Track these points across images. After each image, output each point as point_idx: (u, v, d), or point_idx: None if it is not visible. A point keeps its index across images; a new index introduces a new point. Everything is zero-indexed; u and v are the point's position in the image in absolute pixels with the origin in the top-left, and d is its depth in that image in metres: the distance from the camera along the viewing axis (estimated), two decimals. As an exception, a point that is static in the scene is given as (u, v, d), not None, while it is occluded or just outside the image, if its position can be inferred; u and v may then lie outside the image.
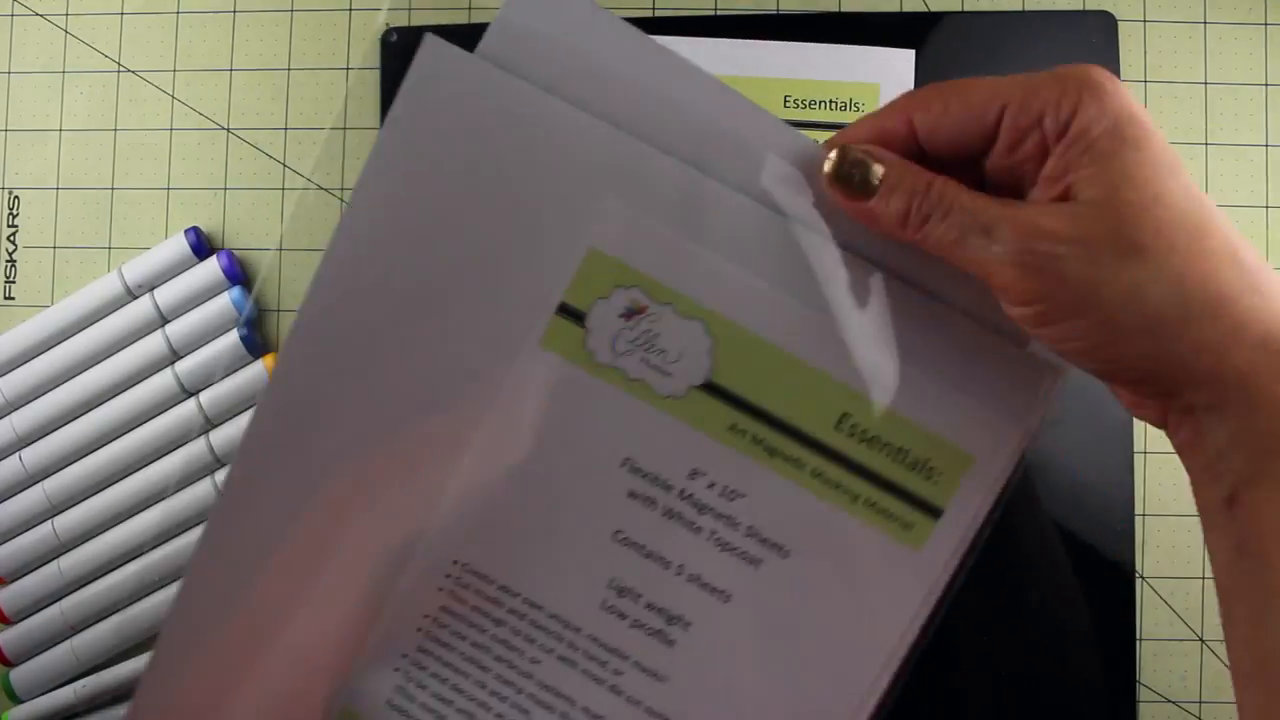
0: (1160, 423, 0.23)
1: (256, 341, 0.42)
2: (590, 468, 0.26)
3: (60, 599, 0.42)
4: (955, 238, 0.22)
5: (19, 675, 0.42)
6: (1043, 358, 0.25)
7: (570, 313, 0.25)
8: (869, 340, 0.25)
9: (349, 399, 0.26)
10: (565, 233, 0.25)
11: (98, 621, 0.42)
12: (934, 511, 0.25)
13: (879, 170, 0.23)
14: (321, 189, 0.44)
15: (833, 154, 0.23)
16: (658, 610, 0.26)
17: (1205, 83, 0.43)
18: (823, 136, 0.42)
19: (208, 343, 0.42)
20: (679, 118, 0.25)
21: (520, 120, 0.25)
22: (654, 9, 0.43)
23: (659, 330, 0.25)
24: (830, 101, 0.42)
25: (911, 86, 0.42)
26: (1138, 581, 0.41)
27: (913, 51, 0.42)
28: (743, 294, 0.25)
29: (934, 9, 0.43)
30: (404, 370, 0.26)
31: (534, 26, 0.26)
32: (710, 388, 0.25)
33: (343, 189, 0.44)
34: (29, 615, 0.42)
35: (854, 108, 0.42)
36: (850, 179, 0.23)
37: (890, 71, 0.42)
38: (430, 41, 0.26)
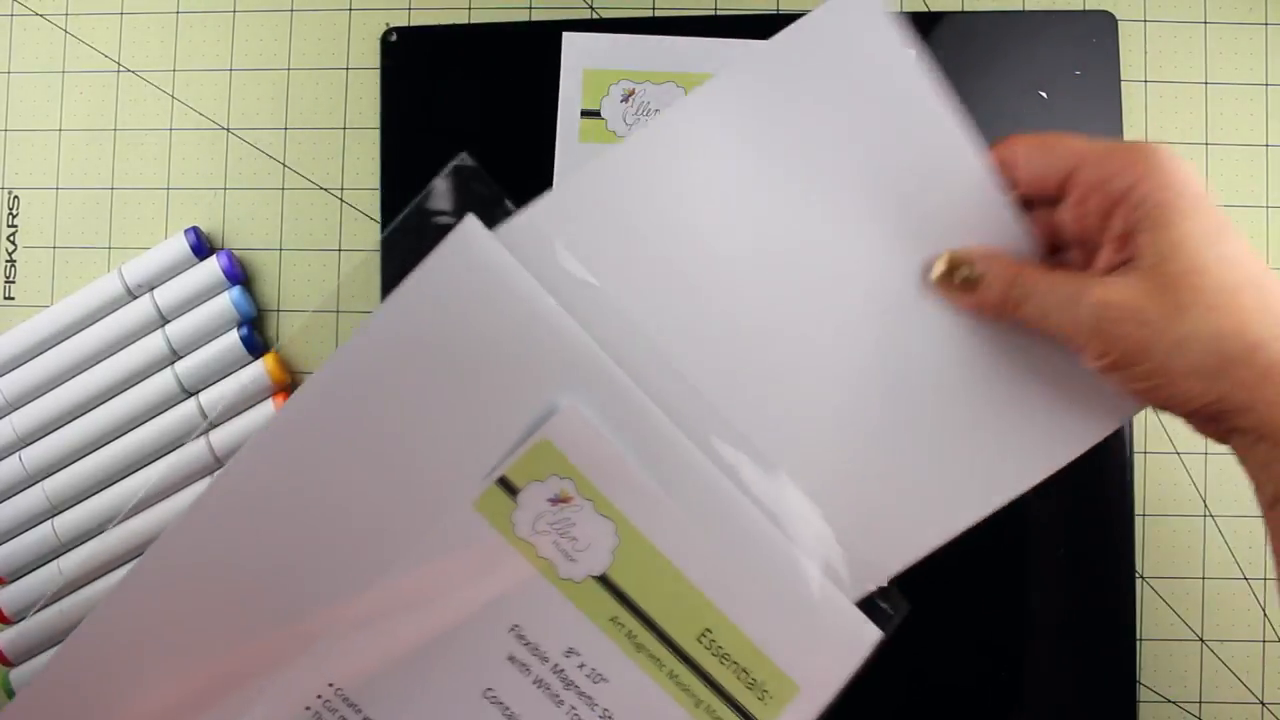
0: (1222, 442, 0.27)
1: (256, 341, 0.42)
2: (480, 625, 0.29)
3: (60, 599, 0.42)
4: (1040, 315, 0.27)
5: (19, 675, 0.42)
6: (865, 619, 0.30)
7: (508, 486, 0.28)
8: (741, 571, 0.29)
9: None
10: (527, 418, 0.28)
11: (98, 622, 0.42)
12: None
13: (978, 268, 0.28)
14: (321, 189, 0.44)
15: (943, 260, 0.28)
16: None
17: (1205, 83, 0.43)
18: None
19: (208, 343, 0.42)
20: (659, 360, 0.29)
21: (516, 308, 0.28)
22: (654, 9, 0.43)
23: (576, 520, 0.29)
24: (830, 101, 0.42)
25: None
26: (1138, 581, 0.41)
27: (913, 51, 0.42)
28: (654, 508, 0.29)
29: (934, 9, 0.43)
30: (356, 498, 0.29)
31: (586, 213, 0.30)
32: (604, 580, 0.29)
33: (342, 189, 0.44)
34: (29, 615, 0.42)
35: (854, 108, 0.42)
36: (955, 278, 0.28)
37: (890, 71, 0.42)
38: (469, 222, 0.29)
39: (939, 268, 0.29)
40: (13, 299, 0.44)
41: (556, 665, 0.29)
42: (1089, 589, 0.41)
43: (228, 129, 0.44)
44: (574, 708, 0.29)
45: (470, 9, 0.44)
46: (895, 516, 0.30)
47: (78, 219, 0.44)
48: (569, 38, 0.42)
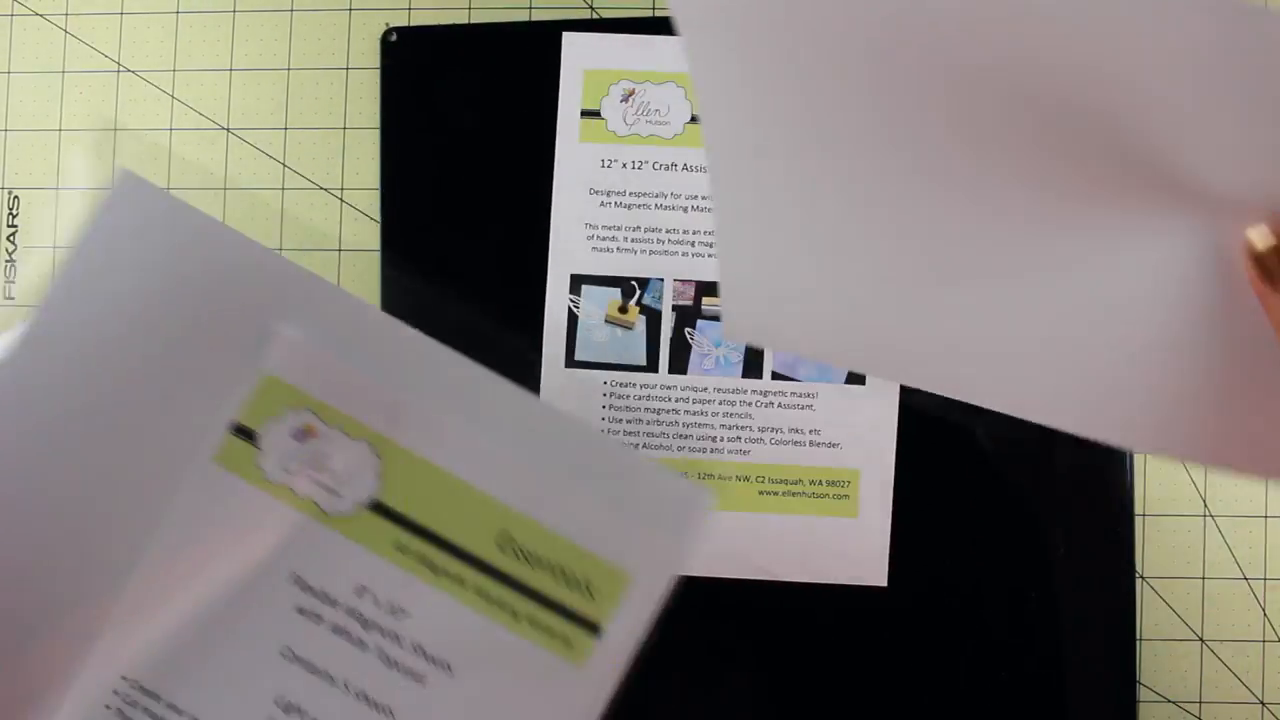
0: None
1: (256, 341, 0.42)
2: (258, 583, 0.27)
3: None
4: None
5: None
6: (694, 484, 0.27)
7: (244, 432, 0.27)
8: (530, 464, 0.27)
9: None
10: (241, 357, 0.27)
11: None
12: (594, 628, 0.27)
13: None
14: (321, 189, 0.44)
15: (1269, 237, 0.23)
16: None
17: (1205, 83, 0.43)
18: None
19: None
20: None
21: (202, 251, 0.27)
22: (654, 9, 0.43)
23: (329, 451, 0.27)
24: (830, 101, 0.42)
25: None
26: (1138, 581, 0.41)
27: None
28: (411, 419, 0.27)
29: (934, 9, 0.43)
30: (74, 483, 0.27)
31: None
32: (378, 507, 0.27)
33: (342, 189, 0.44)
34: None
35: (854, 108, 0.42)
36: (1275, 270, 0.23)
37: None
38: (124, 176, 0.27)
39: (1260, 241, 0.23)
40: (13, 299, 0.44)
41: (350, 608, 0.27)
42: (1089, 589, 0.41)
43: (228, 129, 0.44)
44: (381, 648, 0.27)
45: (470, 9, 0.44)
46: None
47: (78, 219, 0.44)
48: (569, 38, 0.42)
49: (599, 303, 0.41)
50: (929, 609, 0.41)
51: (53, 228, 0.44)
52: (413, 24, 0.44)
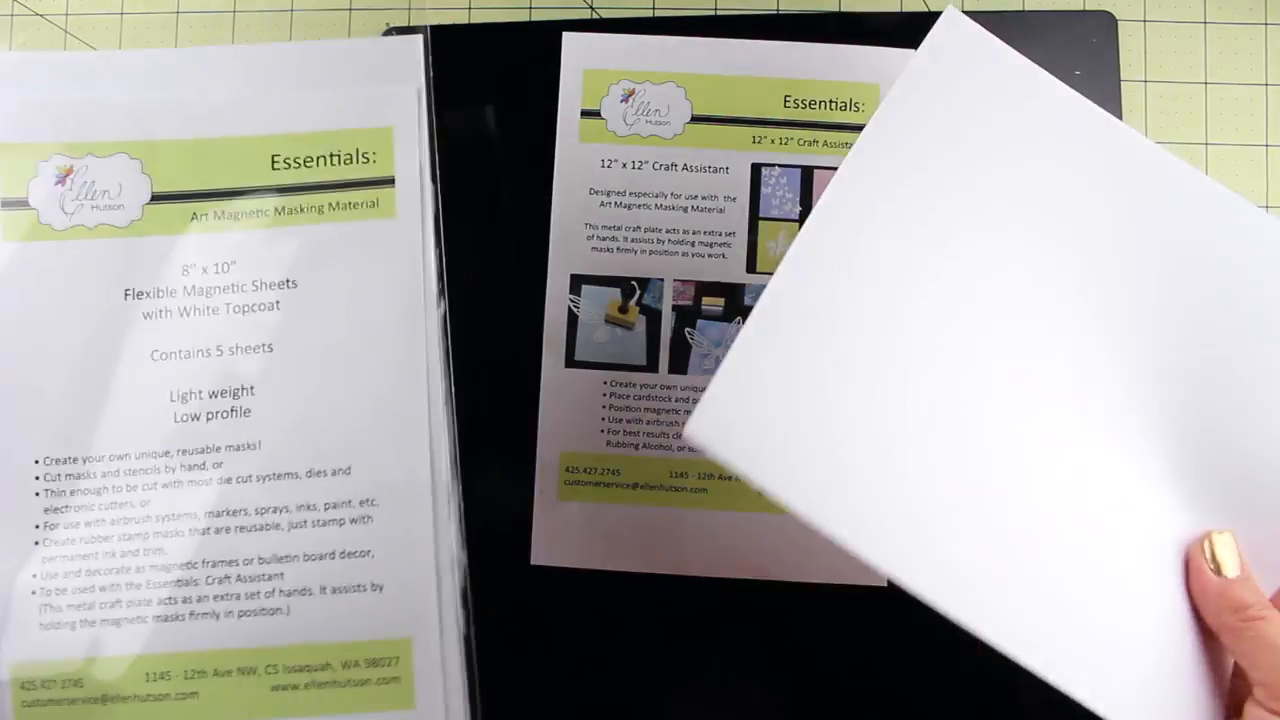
0: None
1: (257, 342, 0.42)
2: (101, 315, 0.29)
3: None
4: (1259, 654, 0.27)
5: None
6: (401, 40, 0.32)
7: (16, 203, 0.29)
8: (262, 95, 0.30)
9: None
10: None
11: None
12: (387, 181, 0.31)
13: (1244, 566, 0.28)
14: (321, 189, 0.44)
15: (1223, 538, 0.28)
16: (221, 394, 0.29)
17: (1205, 83, 0.43)
18: (822, 136, 0.42)
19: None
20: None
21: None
22: (654, 9, 0.43)
23: (93, 178, 0.29)
24: (830, 101, 0.42)
25: (911, 86, 0.42)
26: (1138, 581, 0.41)
27: (913, 51, 0.42)
28: (150, 110, 0.30)
29: (934, 9, 0.43)
30: None
31: None
32: (159, 197, 0.29)
33: (343, 189, 0.43)
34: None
35: (854, 107, 0.42)
36: (1206, 551, 0.28)
37: (890, 71, 0.42)
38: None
39: (1217, 540, 0.28)
40: (13, 299, 0.44)
41: (186, 286, 0.29)
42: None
43: (228, 129, 0.44)
44: (228, 303, 0.29)
45: (470, 9, 0.44)
46: None
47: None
48: (569, 38, 0.42)
49: (599, 303, 0.41)
50: (929, 609, 0.41)
51: (53, 228, 0.44)
52: (413, 24, 0.44)
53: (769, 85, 0.42)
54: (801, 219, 0.42)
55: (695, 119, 0.42)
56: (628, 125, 0.42)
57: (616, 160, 0.42)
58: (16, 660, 0.28)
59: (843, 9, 0.43)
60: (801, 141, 0.42)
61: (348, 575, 0.29)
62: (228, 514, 0.29)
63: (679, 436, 0.41)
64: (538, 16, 0.43)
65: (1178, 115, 0.42)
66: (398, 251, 0.30)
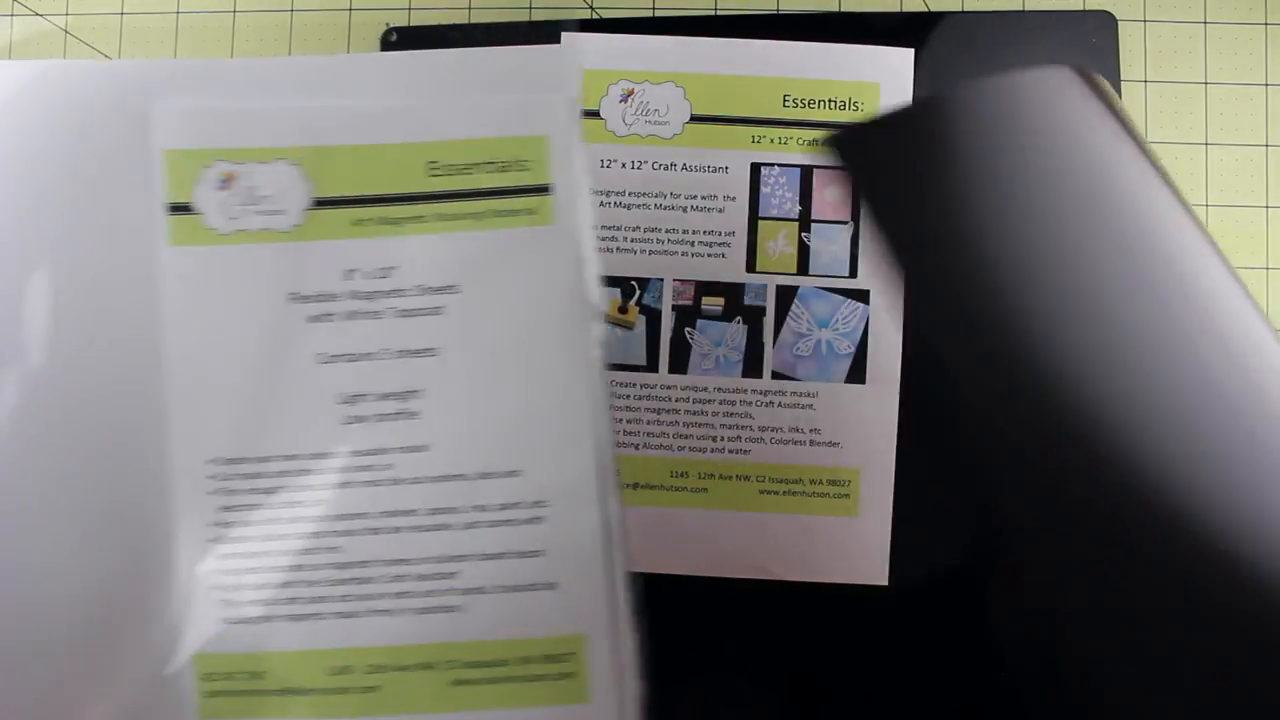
0: None
1: (256, 341, 0.42)
2: (267, 318, 0.29)
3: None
4: None
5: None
6: (546, 47, 0.33)
7: (180, 208, 0.29)
8: (418, 103, 0.30)
9: None
10: (142, 151, 0.30)
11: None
12: (544, 189, 0.31)
13: None
14: (321, 189, 0.44)
15: None
16: (391, 396, 0.29)
17: (1205, 83, 0.43)
18: (822, 136, 0.42)
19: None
20: None
21: (49, 94, 0.30)
22: (654, 9, 0.43)
23: (254, 183, 0.30)
24: (830, 101, 0.42)
25: (911, 86, 0.42)
26: (1138, 581, 0.41)
27: (912, 51, 0.42)
28: (310, 118, 0.30)
29: (934, 9, 0.43)
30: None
31: None
32: (320, 203, 0.30)
33: (342, 189, 0.43)
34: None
35: (853, 107, 0.42)
36: None
37: (890, 71, 0.42)
38: None
39: None
40: (12, 299, 0.44)
41: (349, 291, 0.30)
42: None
43: (228, 129, 0.44)
44: (392, 307, 0.30)
45: (470, 9, 0.44)
46: None
47: None
48: (568, 38, 0.42)
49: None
50: (929, 609, 0.41)
51: (53, 228, 0.44)
52: (413, 24, 0.44)
53: (768, 85, 0.42)
54: (801, 218, 0.42)
55: (695, 119, 0.42)
56: (627, 125, 0.42)
57: (615, 160, 0.42)
58: (199, 652, 0.29)
59: (843, 9, 0.43)
60: (801, 141, 0.42)
61: (521, 574, 0.29)
62: (401, 514, 0.29)
63: (680, 436, 0.41)
64: (538, 16, 0.43)
65: (1177, 115, 0.42)
66: (557, 257, 0.30)
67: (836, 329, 0.41)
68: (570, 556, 0.29)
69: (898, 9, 0.43)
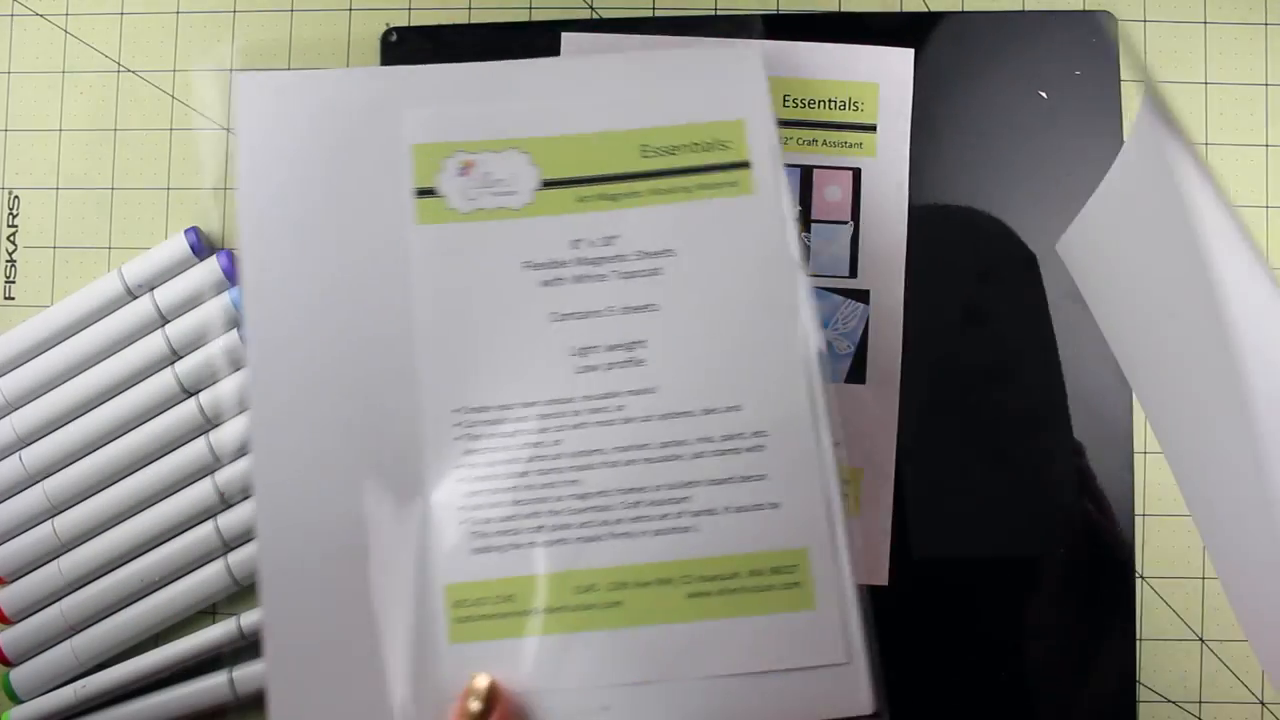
0: None
1: (256, 341, 0.42)
2: (504, 284, 0.34)
3: (60, 599, 0.42)
4: None
5: (19, 675, 0.42)
6: (739, 43, 0.40)
7: (426, 192, 0.34)
8: (630, 94, 0.35)
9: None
10: (393, 146, 0.35)
11: (98, 621, 0.42)
12: (744, 164, 0.35)
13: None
14: (321, 189, 0.44)
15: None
16: (618, 347, 0.33)
17: (1205, 83, 0.43)
18: (822, 136, 0.42)
19: (208, 343, 0.42)
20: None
21: (331, 96, 0.35)
22: (654, 9, 0.43)
23: (489, 169, 0.34)
24: (830, 101, 0.42)
25: (911, 86, 0.42)
26: (1138, 581, 0.41)
27: (912, 51, 0.42)
28: (537, 113, 0.35)
29: (934, 9, 0.43)
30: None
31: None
32: (547, 184, 0.34)
33: (343, 189, 0.43)
34: (29, 615, 0.42)
35: (854, 107, 0.42)
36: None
37: (890, 71, 0.42)
38: (243, 80, 0.35)
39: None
40: (13, 299, 0.44)
41: (577, 258, 0.34)
42: (1088, 589, 0.41)
43: (228, 129, 0.44)
44: (615, 270, 0.34)
45: (470, 9, 0.44)
46: None
47: (78, 219, 0.44)
48: (568, 38, 0.42)
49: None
50: (929, 608, 0.41)
51: (53, 228, 0.44)
52: (413, 24, 0.44)
53: (769, 84, 0.42)
54: (802, 218, 0.42)
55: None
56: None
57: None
58: (450, 582, 0.32)
59: (843, 9, 0.43)
60: (801, 141, 0.42)
61: (747, 496, 0.32)
62: (634, 449, 0.33)
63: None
64: (538, 16, 0.43)
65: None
66: (760, 221, 0.34)
67: (836, 329, 0.41)
68: (790, 478, 0.33)
69: (898, 9, 0.43)
